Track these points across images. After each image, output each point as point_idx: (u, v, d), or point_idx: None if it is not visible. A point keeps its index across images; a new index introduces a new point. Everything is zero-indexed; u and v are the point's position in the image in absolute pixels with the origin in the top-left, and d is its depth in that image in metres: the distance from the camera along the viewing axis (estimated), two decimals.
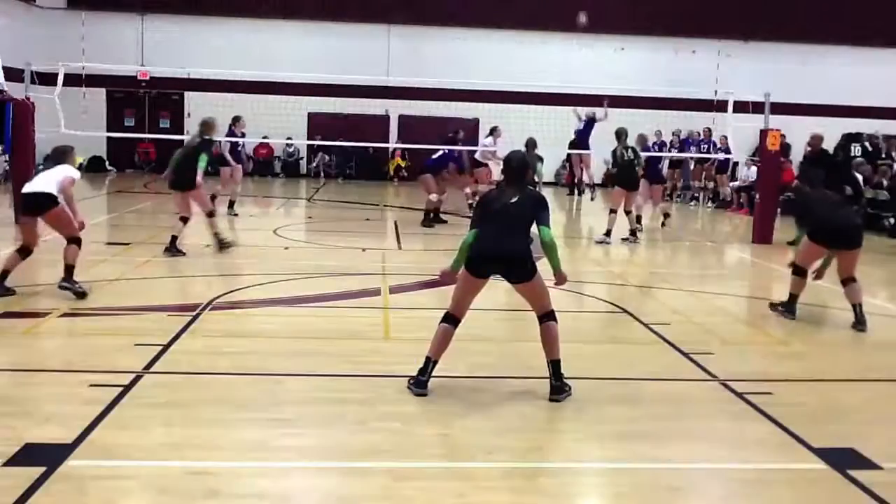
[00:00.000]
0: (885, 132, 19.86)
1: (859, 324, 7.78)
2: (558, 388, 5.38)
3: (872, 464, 4.48)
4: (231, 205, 15.06)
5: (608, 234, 12.95)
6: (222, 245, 10.90)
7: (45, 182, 7.85)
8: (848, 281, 7.90)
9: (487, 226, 5.39)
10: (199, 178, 10.50)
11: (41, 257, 10.22)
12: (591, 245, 12.88)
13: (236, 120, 15.31)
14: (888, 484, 4.22)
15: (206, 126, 11.00)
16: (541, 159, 13.44)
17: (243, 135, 15.60)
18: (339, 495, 4.00)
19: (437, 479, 4.16)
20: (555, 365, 5.40)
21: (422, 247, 12.33)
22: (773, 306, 8.23)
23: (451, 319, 5.51)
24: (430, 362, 5.43)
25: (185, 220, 10.58)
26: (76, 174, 8.14)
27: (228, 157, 14.87)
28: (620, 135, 13.41)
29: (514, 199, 5.40)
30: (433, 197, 14.24)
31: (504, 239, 5.33)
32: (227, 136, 14.96)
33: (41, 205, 7.77)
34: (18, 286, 8.42)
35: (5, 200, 11.66)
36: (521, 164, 5.65)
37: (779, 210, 15.11)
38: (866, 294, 8.35)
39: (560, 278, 5.46)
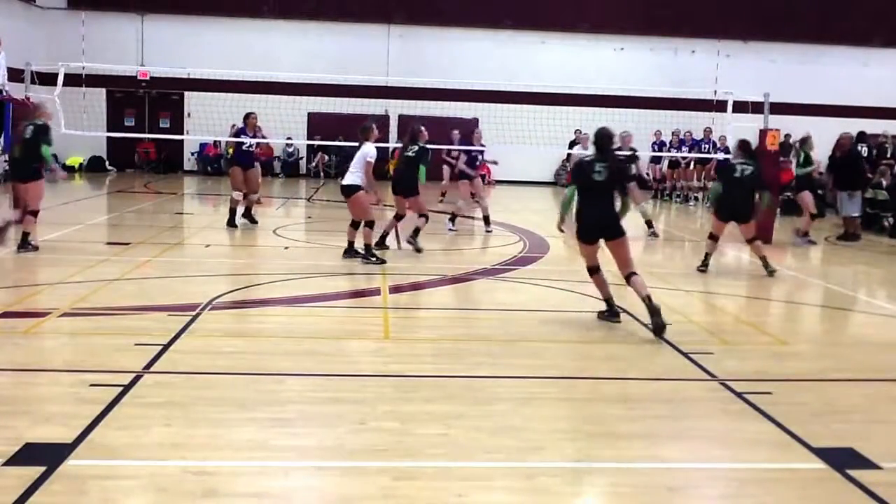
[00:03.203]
0: (878, 132, 19.89)
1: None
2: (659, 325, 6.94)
3: (872, 464, 4.48)
4: (452, 218, 14.19)
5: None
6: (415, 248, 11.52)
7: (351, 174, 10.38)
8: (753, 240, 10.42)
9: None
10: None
11: (41, 257, 10.24)
12: None
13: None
14: (888, 484, 4.22)
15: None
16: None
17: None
18: (338, 495, 4.00)
19: (437, 479, 4.16)
20: (649, 299, 6.99)
21: (421, 246, 12.31)
22: None
23: (595, 270, 7.51)
24: (610, 301, 7.46)
25: (399, 217, 11.84)
26: (372, 155, 10.30)
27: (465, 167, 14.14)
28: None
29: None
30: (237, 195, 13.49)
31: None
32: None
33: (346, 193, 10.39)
34: (19, 286, 8.45)
35: (5, 201, 11.65)
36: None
37: (778, 210, 15.12)
38: (866, 294, 8.37)
39: None
